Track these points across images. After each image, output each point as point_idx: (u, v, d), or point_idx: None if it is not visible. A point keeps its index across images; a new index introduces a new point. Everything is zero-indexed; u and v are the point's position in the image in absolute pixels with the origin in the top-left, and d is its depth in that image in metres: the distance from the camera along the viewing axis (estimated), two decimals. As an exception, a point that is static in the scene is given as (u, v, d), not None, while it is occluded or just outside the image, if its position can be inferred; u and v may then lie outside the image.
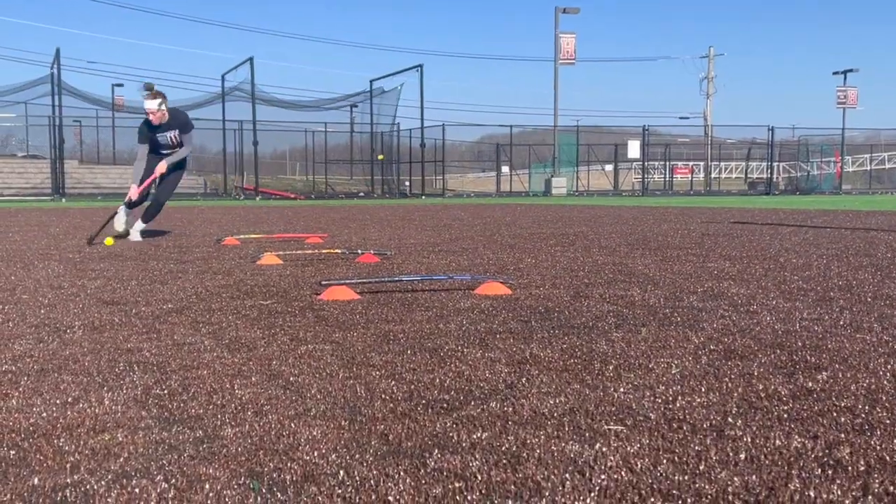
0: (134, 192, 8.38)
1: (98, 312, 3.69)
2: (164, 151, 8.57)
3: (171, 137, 8.49)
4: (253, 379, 2.45)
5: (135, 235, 8.41)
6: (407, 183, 38.34)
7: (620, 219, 12.55)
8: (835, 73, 48.79)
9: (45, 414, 2.08)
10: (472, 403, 2.16)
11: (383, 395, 2.25)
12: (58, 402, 2.20)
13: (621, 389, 2.30)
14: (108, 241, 7.61)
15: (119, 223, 8.43)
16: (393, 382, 2.39)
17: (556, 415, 2.06)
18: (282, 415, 2.07)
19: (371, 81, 38.87)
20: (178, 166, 8.76)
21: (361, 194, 36.72)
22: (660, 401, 2.19)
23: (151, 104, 8.24)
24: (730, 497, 1.53)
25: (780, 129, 46.28)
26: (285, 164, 50.19)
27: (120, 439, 1.88)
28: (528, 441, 1.85)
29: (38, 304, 3.92)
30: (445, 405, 2.15)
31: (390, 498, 1.53)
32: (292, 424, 1.99)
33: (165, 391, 2.31)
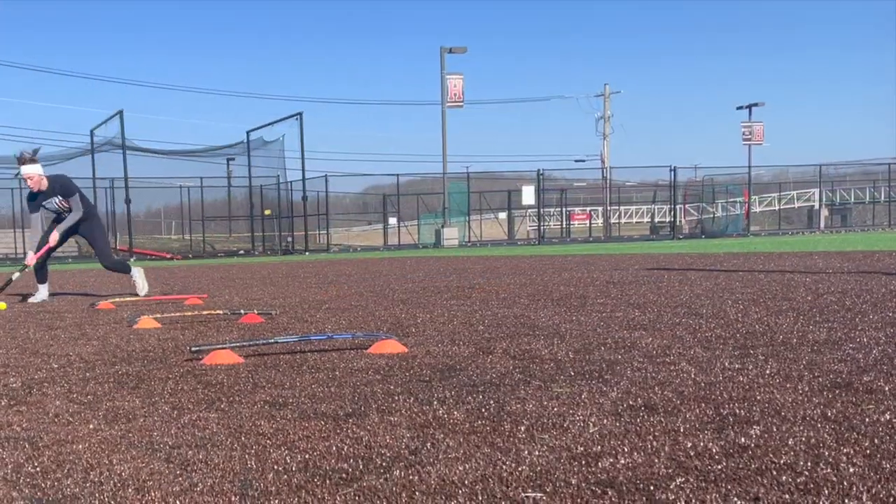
0: (31, 259, 8.69)
1: (-41, 385, 3.41)
2: (63, 217, 8.68)
3: (57, 203, 8.59)
4: (133, 452, 2.28)
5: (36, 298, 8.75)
6: (290, 238, 37.75)
7: (518, 269, 12.40)
8: (739, 108, 46.45)
9: None
10: (374, 473, 2.05)
11: (276, 466, 2.12)
12: (-90, 489, 1.98)
13: (536, 452, 2.18)
14: None
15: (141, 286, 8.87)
16: (286, 451, 2.26)
17: (466, 482, 1.95)
18: (165, 491, 1.92)
19: (248, 132, 37.71)
20: (74, 230, 8.75)
21: (242, 252, 35.94)
22: (579, 463, 2.07)
23: (25, 170, 8.40)
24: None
25: (683, 170, 45.28)
26: (160, 223, 48.96)
27: (-18, 530, 1.70)
28: (435, 510, 1.74)
29: None
30: (345, 475, 2.03)
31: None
32: (177, 502, 1.84)
33: (38, 468, 2.14)
